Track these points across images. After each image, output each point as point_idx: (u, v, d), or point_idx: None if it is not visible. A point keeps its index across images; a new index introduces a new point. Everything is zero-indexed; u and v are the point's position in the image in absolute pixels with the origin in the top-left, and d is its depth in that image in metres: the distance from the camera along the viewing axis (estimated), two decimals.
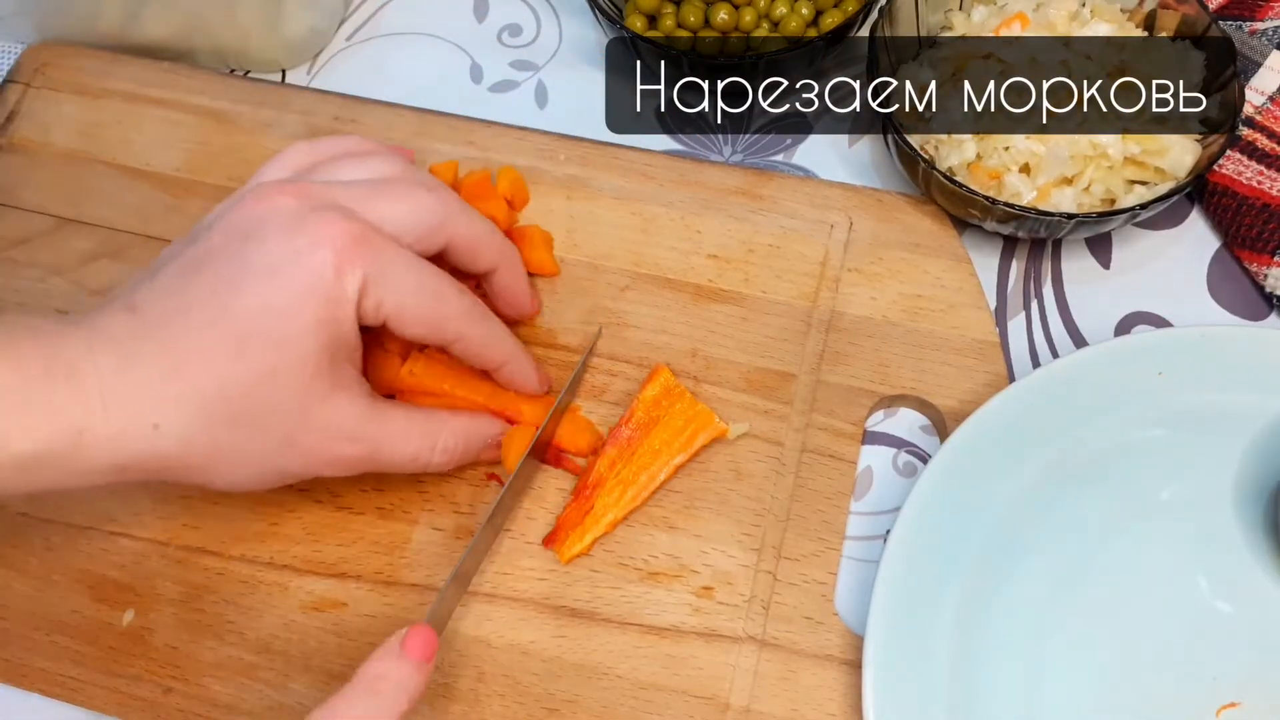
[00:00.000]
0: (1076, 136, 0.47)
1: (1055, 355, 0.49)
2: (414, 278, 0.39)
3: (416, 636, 0.36)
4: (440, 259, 0.42)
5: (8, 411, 0.34)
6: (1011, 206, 0.46)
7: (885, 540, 0.42)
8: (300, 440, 0.38)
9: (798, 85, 0.57)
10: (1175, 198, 0.46)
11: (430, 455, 0.42)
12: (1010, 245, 0.52)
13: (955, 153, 0.48)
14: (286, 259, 0.36)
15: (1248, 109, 0.51)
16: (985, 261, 0.51)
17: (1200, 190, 0.52)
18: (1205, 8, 0.49)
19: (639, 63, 0.54)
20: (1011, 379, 0.48)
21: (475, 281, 0.45)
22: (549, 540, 0.44)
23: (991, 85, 0.49)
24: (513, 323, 0.47)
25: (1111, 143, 0.47)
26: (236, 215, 0.38)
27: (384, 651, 0.36)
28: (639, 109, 0.57)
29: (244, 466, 0.38)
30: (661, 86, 0.57)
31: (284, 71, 0.59)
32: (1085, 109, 0.47)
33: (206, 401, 0.36)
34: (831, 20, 0.54)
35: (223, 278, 0.37)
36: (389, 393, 0.46)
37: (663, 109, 0.57)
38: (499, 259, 0.44)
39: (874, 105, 0.49)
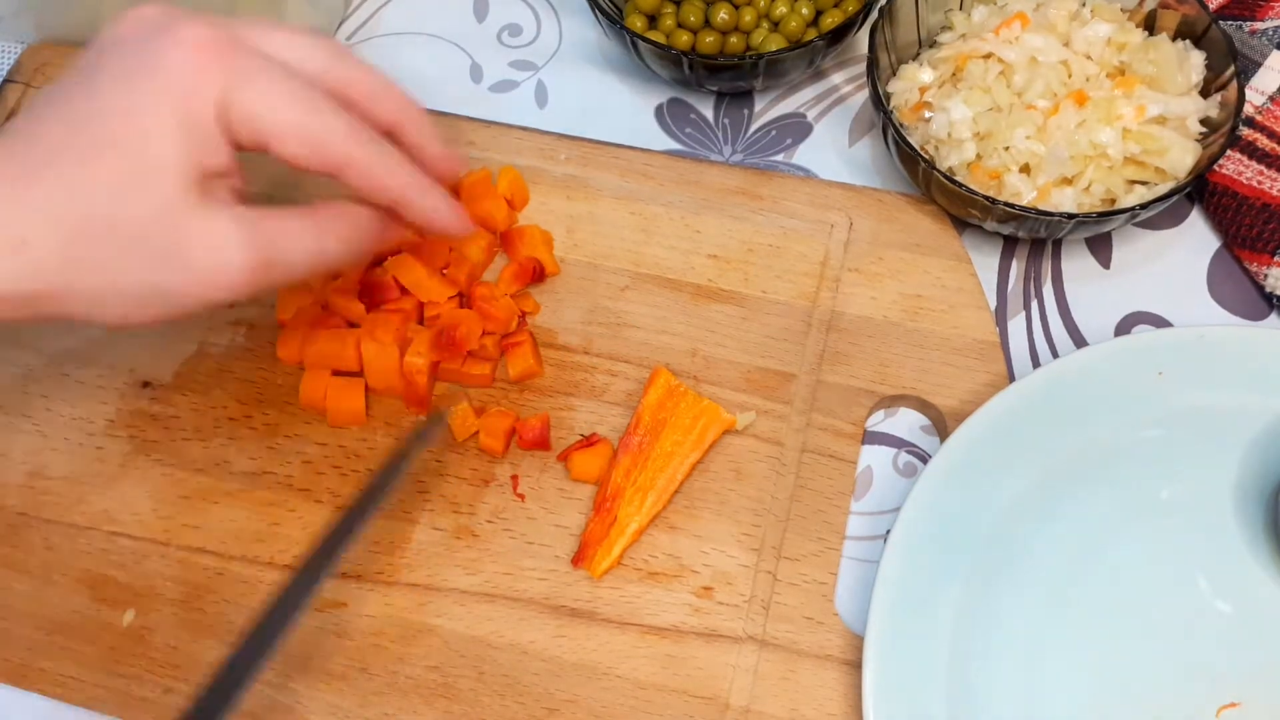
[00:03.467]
0: (1076, 136, 0.47)
1: (1055, 355, 0.49)
2: (285, 87, 0.35)
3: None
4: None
5: None
6: (1011, 206, 0.46)
7: (885, 540, 0.42)
8: (181, 253, 0.35)
9: (798, 85, 0.57)
10: (1175, 198, 0.46)
11: (337, 246, 0.38)
12: (1010, 245, 0.52)
13: (955, 153, 0.48)
14: (142, 62, 0.35)
15: (1248, 109, 0.51)
16: (985, 261, 0.51)
17: (1200, 190, 0.52)
18: (1205, 8, 0.49)
19: (639, 63, 0.54)
20: (1012, 379, 0.48)
21: None
22: (578, 559, 0.44)
23: (992, 85, 0.49)
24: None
25: (1111, 142, 0.47)
26: (103, 35, 0.37)
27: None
28: (639, 109, 0.57)
29: (122, 289, 0.35)
30: (662, 86, 0.57)
31: None
32: (1085, 109, 0.47)
33: (69, 212, 0.34)
34: (831, 20, 0.54)
35: (79, 92, 0.35)
36: (390, 383, 0.46)
37: (663, 109, 0.57)
38: (402, 112, 0.40)
39: (874, 105, 0.49)
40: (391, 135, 0.40)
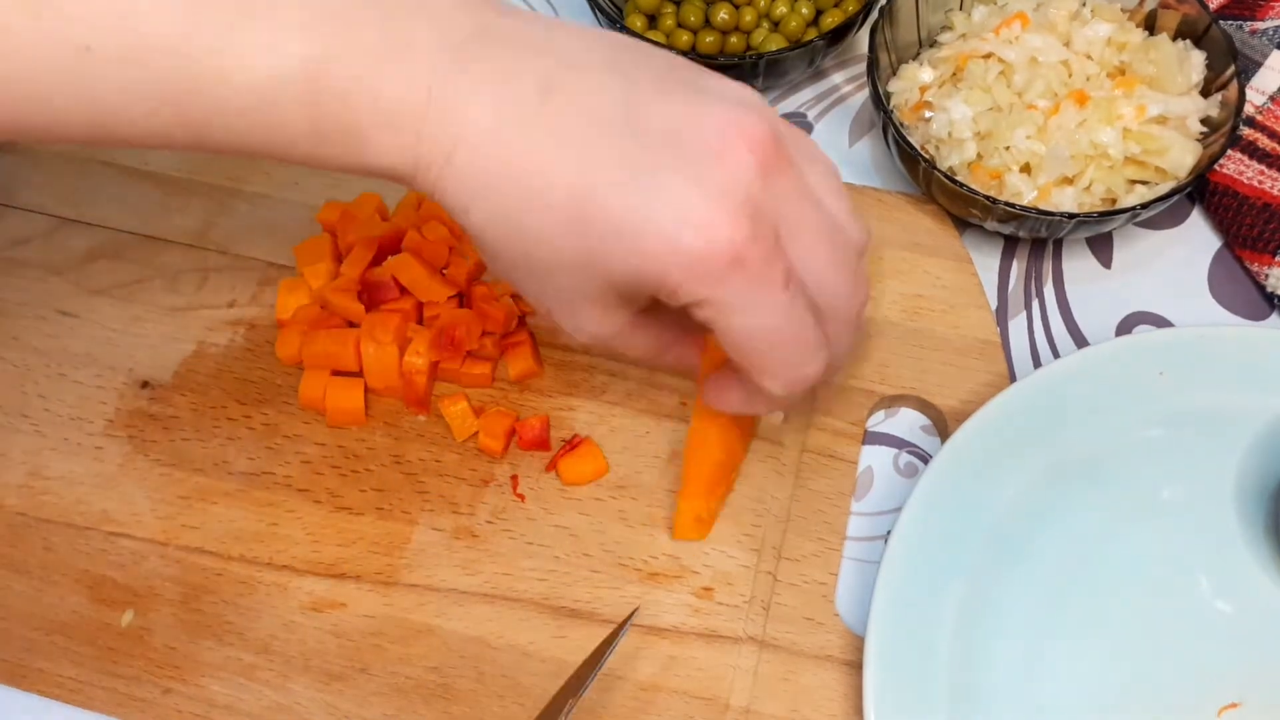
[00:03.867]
0: (1077, 136, 0.47)
1: (1056, 355, 0.49)
2: (773, 320, 0.33)
3: None
4: None
5: (378, 127, 0.32)
6: (1012, 206, 0.46)
7: (886, 541, 0.42)
8: (559, 306, 0.35)
9: (798, 85, 0.57)
10: (1176, 197, 0.46)
11: (650, 361, 0.39)
12: (1011, 245, 0.52)
13: (955, 152, 0.48)
14: (673, 209, 0.31)
15: (1248, 109, 0.51)
16: (986, 261, 0.51)
17: (1201, 190, 0.52)
18: (1205, 8, 0.49)
19: None
20: (1012, 379, 0.48)
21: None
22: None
23: (992, 85, 0.49)
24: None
25: (1112, 142, 0.47)
26: (703, 111, 0.33)
27: None
28: None
29: (513, 275, 0.35)
30: None
31: None
32: (1086, 109, 0.47)
33: (514, 230, 0.33)
34: (831, 20, 0.54)
35: (627, 162, 0.32)
36: (389, 383, 0.47)
37: None
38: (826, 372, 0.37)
39: (874, 105, 0.49)
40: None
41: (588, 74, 0.33)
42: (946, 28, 0.52)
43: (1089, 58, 0.49)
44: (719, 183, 0.32)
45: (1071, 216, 0.45)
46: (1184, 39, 0.50)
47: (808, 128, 0.56)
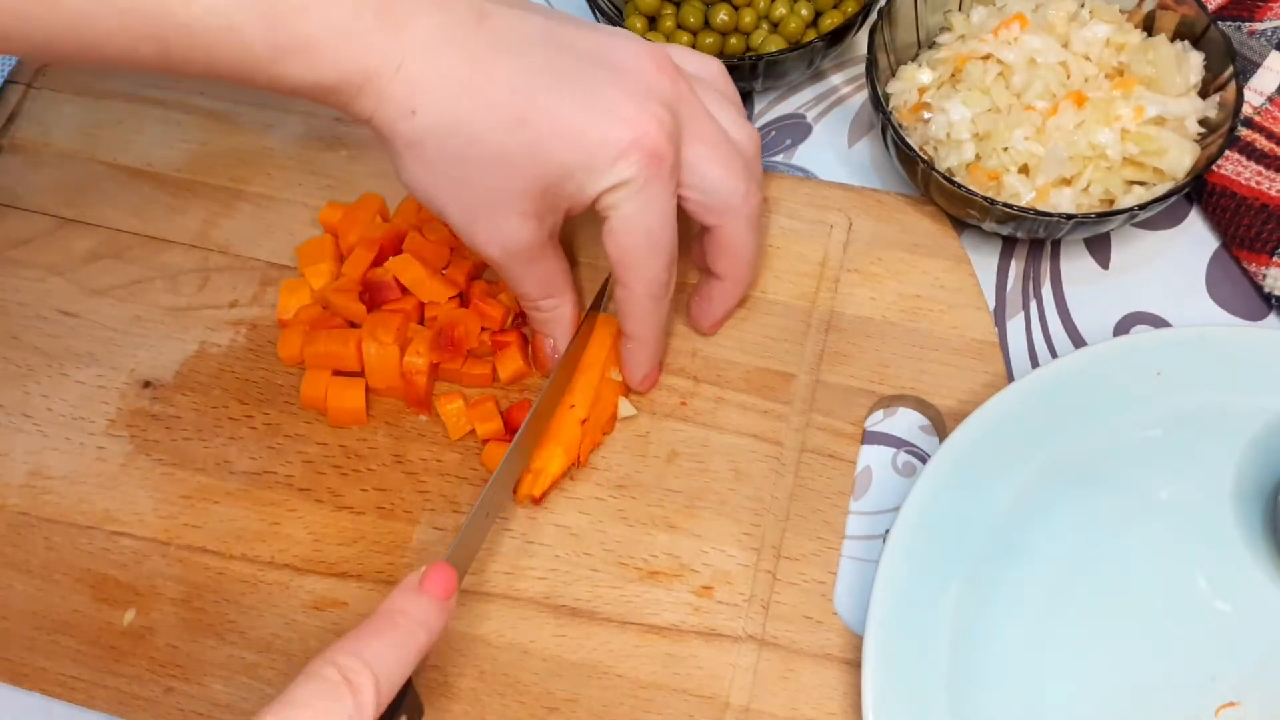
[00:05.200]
0: (1075, 137, 0.47)
1: (1054, 355, 0.49)
2: (653, 220, 0.40)
3: (435, 573, 0.36)
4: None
5: (331, 39, 0.35)
6: (1010, 207, 0.46)
7: (884, 540, 0.42)
8: (475, 218, 0.39)
9: (797, 86, 0.57)
10: (1174, 198, 0.47)
11: (536, 299, 0.44)
12: (1009, 246, 0.52)
13: (954, 153, 0.48)
14: (604, 109, 0.37)
15: (1246, 109, 0.51)
16: (984, 262, 0.51)
17: (1199, 190, 0.52)
18: (1204, 8, 0.49)
19: None
20: (1010, 379, 0.48)
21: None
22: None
23: (990, 86, 0.49)
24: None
25: (1110, 143, 0.47)
26: (614, 38, 0.39)
27: (402, 588, 0.36)
28: None
29: (424, 185, 0.39)
30: None
31: None
32: (1084, 110, 0.47)
33: (459, 132, 0.37)
34: (831, 21, 0.54)
35: (560, 69, 0.38)
36: (390, 383, 0.47)
37: None
38: (733, 275, 0.45)
39: (873, 106, 0.49)
40: (708, 274, 0.46)
41: (513, 8, 0.38)
42: (945, 29, 0.52)
43: (1087, 59, 0.49)
44: (639, 91, 0.38)
45: (1069, 217, 0.46)
46: (1182, 40, 0.50)
47: (807, 129, 0.56)
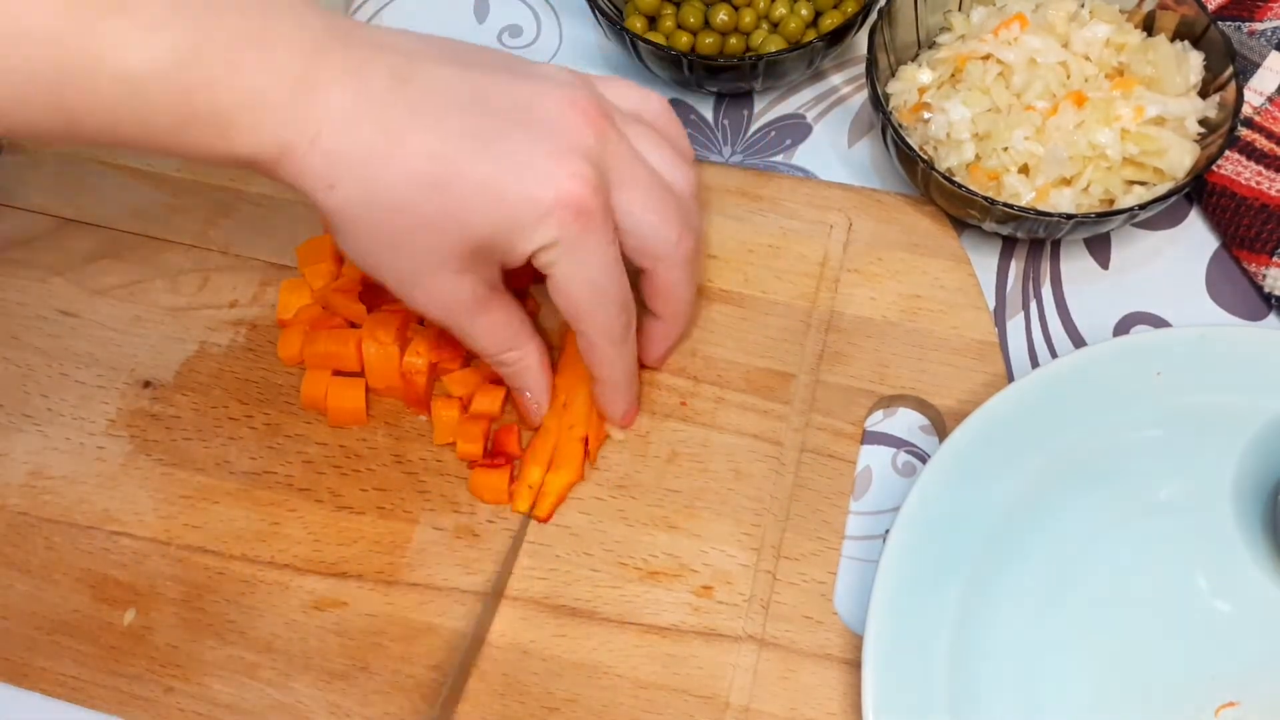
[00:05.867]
0: (1075, 137, 0.47)
1: (1054, 355, 0.49)
2: (595, 271, 0.39)
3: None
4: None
5: (244, 111, 0.34)
6: (1010, 207, 0.46)
7: (884, 540, 0.42)
8: (412, 281, 0.39)
9: (797, 86, 0.57)
10: (1174, 198, 0.47)
11: (495, 354, 0.43)
12: (1009, 246, 0.52)
13: (954, 153, 0.48)
14: (526, 167, 0.37)
15: (1246, 109, 0.51)
16: (984, 262, 0.51)
17: (1199, 190, 0.52)
18: (1204, 8, 0.49)
19: (639, 64, 0.54)
20: (1010, 379, 0.48)
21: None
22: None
23: (990, 86, 0.49)
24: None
25: (1110, 143, 0.47)
26: (540, 87, 0.38)
27: None
28: None
29: (356, 255, 0.39)
30: (661, 87, 0.57)
31: None
32: (1084, 110, 0.47)
33: (381, 203, 0.36)
34: (831, 21, 0.54)
35: (480, 128, 0.37)
36: (390, 383, 0.47)
37: None
38: (671, 315, 0.45)
39: (873, 106, 0.49)
40: (647, 313, 0.45)
41: (432, 65, 0.37)
42: (945, 29, 0.52)
43: (1087, 59, 0.49)
44: (562, 146, 0.37)
45: (1069, 217, 0.46)
46: (1182, 40, 0.50)
47: (807, 129, 0.56)
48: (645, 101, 0.43)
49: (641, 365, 0.46)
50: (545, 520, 0.45)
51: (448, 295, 0.39)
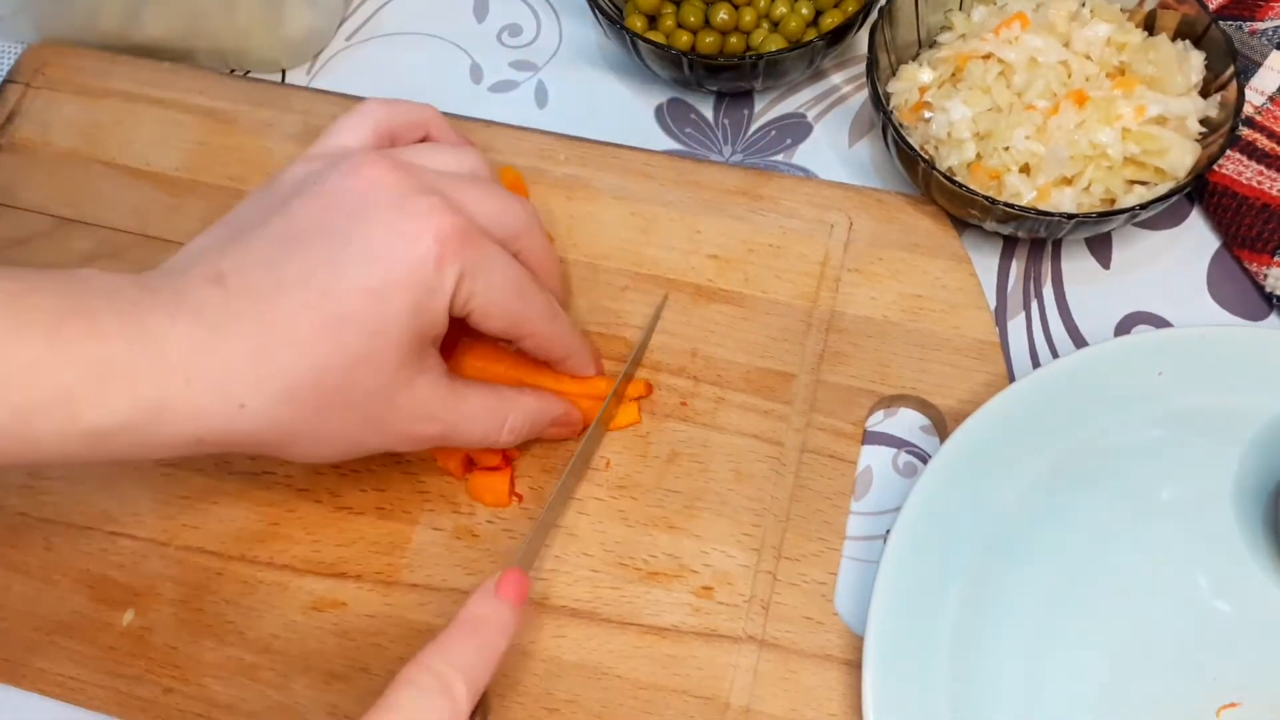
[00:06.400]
0: (1076, 137, 0.47)
1: (1055, 355, 0.49)
2: (508, 276, 0.39)
3: (510, 578, 0.37)
4: None
5: (87, 383, 0.33)
6: (1011, 206, 0.46)
7: (885, 540, 0.42)
8: (384, 420, 0.38)
9: (798, 85, 0.57)
10: (1175, 198, 0.46)
11: (499, 434, 0.42)
12: (1010, 245, 0.52)
13: (955, 153, 0.48)
14: (389, 244, 0.36)
15: (1248, 109, 0.51)
16: (985, 262, 0.51)
17: (1200, 190, 0.52)
18: (1205, 8, 0.49)
19: (639, 63, 0.54)
20: (1011, 379, 0.48)
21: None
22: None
23: (991, 85, 0.49)
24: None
25: (1111, 143, 0.47)
26: (335, 186, 0.37)
27: (481, 595, 0.37)
28: (639, 109, 0.57)
29: (326, 444, 0.38)
30: (662, 86, 0.57)
31: (284, 71, 0.59)
32: (1085, 109, 0.47)
33: (297, 384, 0.35)
34: (831, 20, 0.54)
35: (321, 257, 0.36)
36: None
37: (663, 109, 0.57)
38: (552, 286, 0.44)
39: (874, 105, 0.49)
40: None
41: (225, 250, 0.36)
42: (946, 28, 0.52)
43: (1088, 58, 0.49)
44: (397, 205, 0.37)
45: (1070, 217, 0.45)
46: (1183, 39, 0.50)
47: (807, 128, 0.56)
48: (458, 158, 0.42)
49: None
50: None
51: (419, 407, 0.38)
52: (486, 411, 0.41)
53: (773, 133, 0.56)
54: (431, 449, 0.45)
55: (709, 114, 0.56)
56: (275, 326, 0.35)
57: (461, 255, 0.37)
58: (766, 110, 0.56)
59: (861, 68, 0.57)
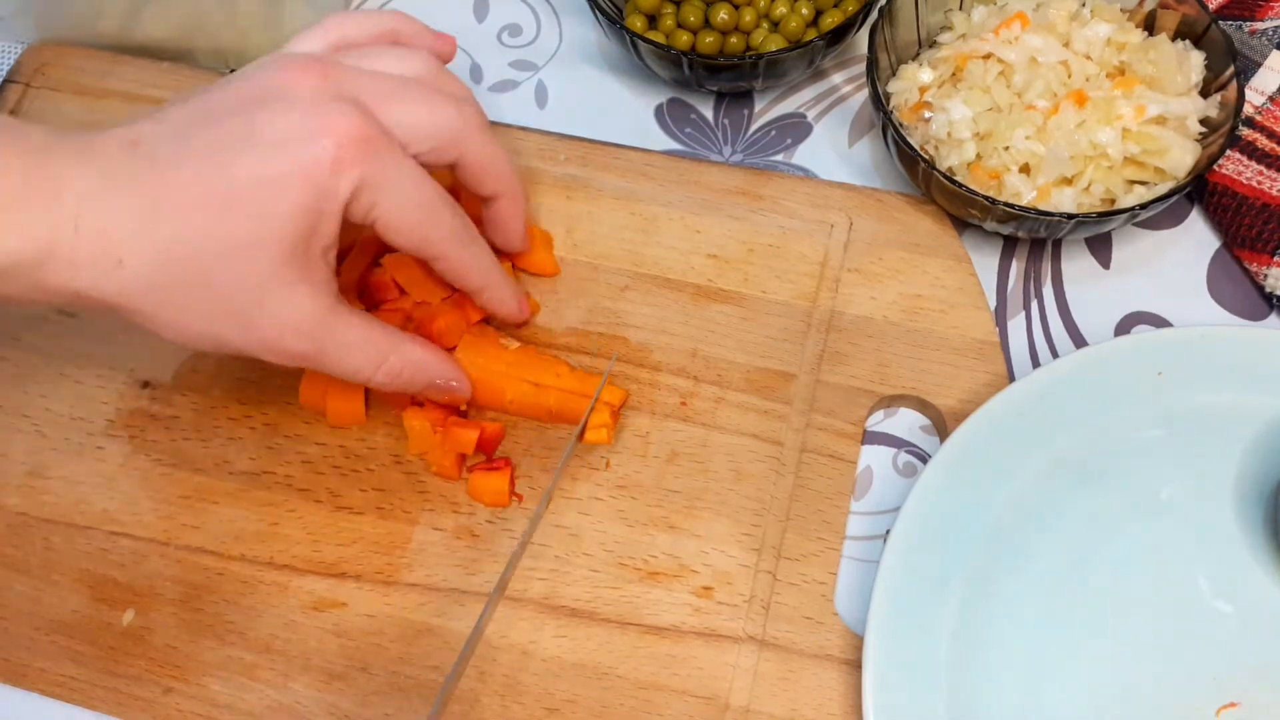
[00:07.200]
0: (1076, 137, 0.47)
1: (1055, 355, 0.49)
2: (411, 189, 0.38)
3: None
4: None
5: None
6: (1011, 206, 0.46)
7: (885, 540, 0.42)
8: (251, 319, 0.37)
9: (798, 85, 0.57)
10: (1175, 198, 0.46)
11: (373, 373, 0.41)
12: (1010, 245, 0.52)
13: (955, 153, 0.48)
14: (290, 138, 0.36)
15: (1247, 109, 0.51)
16: (985, 261, 0.51)
17: (1200, 190, 0.52)
18: (1205, 8, 0.49)
19: (639, 63, 0.54)
20: (1011, 379, 0.48)
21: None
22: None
23: (991, 85, 0.49)
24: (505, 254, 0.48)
25: (1111, 143, 0.47)
26: (258, 79, 0.38)
27: None
28: (639, 109, 0.57)
29: (191, 325, 0.37)
30: (662, 86, 0.57)
31: None
32: (1085, 109, 0.47)
33: (175, 253, 0.35)
34: (831, 20, 0.54)
35: (226, 136, 0.36)
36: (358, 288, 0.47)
37: (663, 109, 0.57)
38: (504, 187, 0.44)
39: (874, 105, 0.49)
40: (488, 203, 0.45)
41: (152, 119, 0.37)
42: (946, 28, 0.52)
43: (1088, 58, 0.49)
44: (306, 104, 0.37)
45: (1070, 217, 0.45)
46: (1183, 39, 0.50)
47: (807, 128, 0.56)
48: (374, 21, 0.43)
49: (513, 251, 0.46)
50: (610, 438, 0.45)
51: (293, 314, 0.38)
52: (366, 344, 0.40)
53: (773, 133, 0.56)
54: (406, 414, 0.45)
55: (709, 114, 0.56)
56: (168, 192, 0.35)
57: (361, 162, 0.37)
58: (766, 110, 0.56)
59: (861, 68, 0.57)
